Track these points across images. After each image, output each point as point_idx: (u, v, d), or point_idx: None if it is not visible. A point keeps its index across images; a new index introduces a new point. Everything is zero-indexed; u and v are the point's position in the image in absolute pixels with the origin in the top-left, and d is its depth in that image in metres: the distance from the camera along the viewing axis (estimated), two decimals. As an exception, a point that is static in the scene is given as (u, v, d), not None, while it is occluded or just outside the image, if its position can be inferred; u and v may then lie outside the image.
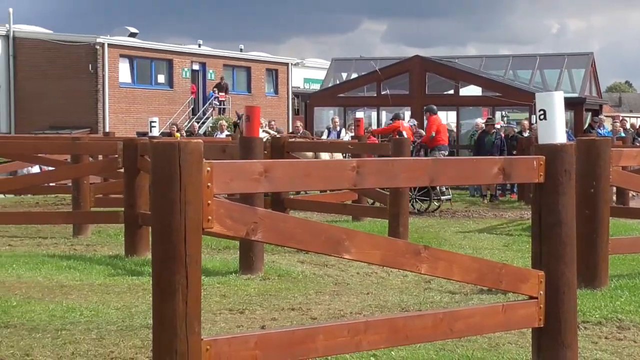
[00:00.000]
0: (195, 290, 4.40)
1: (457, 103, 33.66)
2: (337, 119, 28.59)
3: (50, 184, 17.52)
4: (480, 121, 25.64)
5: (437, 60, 36.18)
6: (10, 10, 43.12)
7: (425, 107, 23.78)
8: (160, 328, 4.39)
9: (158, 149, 4.37)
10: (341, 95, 35.09)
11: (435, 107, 22.87)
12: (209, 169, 4.42)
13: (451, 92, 34.41)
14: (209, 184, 4.41)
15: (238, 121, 25.42)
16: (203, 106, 46.24)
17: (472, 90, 35.13)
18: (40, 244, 13.75)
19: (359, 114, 31.94)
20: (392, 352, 6.65)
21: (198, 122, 43.54)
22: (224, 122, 33.15)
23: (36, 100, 42.84)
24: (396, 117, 23.84)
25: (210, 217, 4.43)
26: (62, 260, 11.64)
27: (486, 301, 8.77)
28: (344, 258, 4.95)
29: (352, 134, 24.75)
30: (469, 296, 9.31)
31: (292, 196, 15.31)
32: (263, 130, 19.43)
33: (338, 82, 37.84)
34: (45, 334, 7.24)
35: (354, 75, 37.50)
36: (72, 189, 15.26)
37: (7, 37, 43.35)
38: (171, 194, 4.32)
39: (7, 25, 43.53)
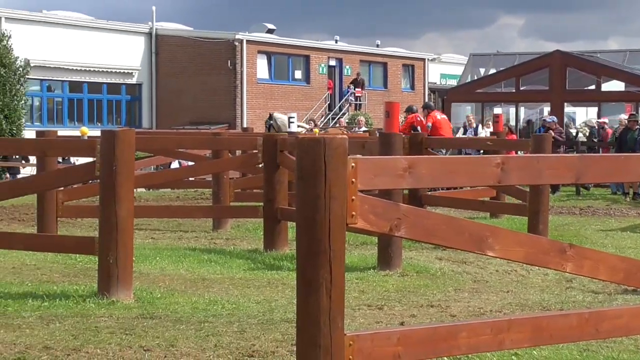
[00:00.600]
0: (339, 285, 4.42)
1: (598, 99, 32.89)
2: (472, 117, 28.31)
3: (191, 179, 17.87)
4: (624, 117, 24.99)
5: (578, 54, 35.46)
6: (154, 8, 44.23)
7: (423, 104, 23.35)
8: (304, 322, 4.42)
9: (303, 144, 4.40)
10: (479, 90, 34.74)
11: (432, 104, 22.84)
12: (353, 164, 4.43)
13: (592, 87, 33.66)
14: (353, 179, 4.42)
15: (271, 122, 25.08)
16: (339, 102, 46.44)
17: (614, 86, 34.25)
18: (182, 237, 14.06)
19: (497, 110, 31.58)
20: (534, 352, 6.56)
21: (334, 118, 43.78)
22: (362, 118, 33.23)
23: (176, 96, 43.79)
24: (409, 111, 23.04)
25: (354, 213, 4.44)
26: (203, 253, 11.87)
27: (631, 302, 8.57)
28: (487, 255, 4.89)
29: (491, 130, 24.48)
30: (612, 296, 9.11)
31: (429, 192, 15.23)
32: (298, 125, 19.57)
33: (476, 78, 37.49)
34: (189, 326, 7.39)
35: (492, 71, 37.11)
36: (212, 184, 15.55)
37: (150, 34, 44.44)
38: (316, 190, 4.35)
39: (150, 23, 44.62)
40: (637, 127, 22.85)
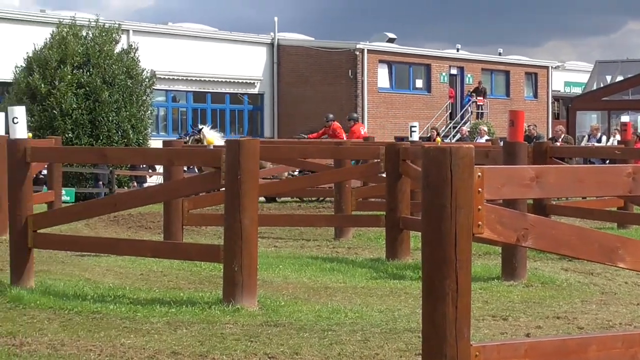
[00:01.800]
0: (465, 296, 4.40)
1: None
2: (597, 126, 27.75)
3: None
4: None
5: None
6: (276, 19, 44.71)
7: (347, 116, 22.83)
8: (430, 332, 4.41)
9: (430, 154, 4.40)
10: (605, 98, 34.02)
11: (355, 115, 22.40)
12: (479, 174, 4.41)
13: None
14: (479, 189, 4.40)
15: (198, 136, 24.13)
16: (460, 111, 46.14)
17: None
18: (304, 245, 14.16)
19: (625, 118, 30.88)
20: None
21: (455, 127, 43.50)
22: (484, 127, 32.94)
23: (297, 105, 44.16)
24: (351, 119, 22.91)
25: (480, 223, 4.41)
26: (325, 262, 11.93)
27: None
28: (618, 267, 4.81)
29: (619, 139, 23.96)
30: None
31: (554, 202, 14.99)
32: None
33: (602, 85, 36.74)
34: (313, 334, 7.43)
35: (619, 78, 36.30)
36: (334, 193, 15.63)
37: (271, 44, 44.94)
38: (442, 199, 4.34)
39: (272, 34, 45.13)
40: None
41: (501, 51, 52.87)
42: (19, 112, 9.90)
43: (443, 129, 43.79)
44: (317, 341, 7.17)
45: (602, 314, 8.68)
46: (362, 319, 8.18)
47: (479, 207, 4.41)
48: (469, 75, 47.75)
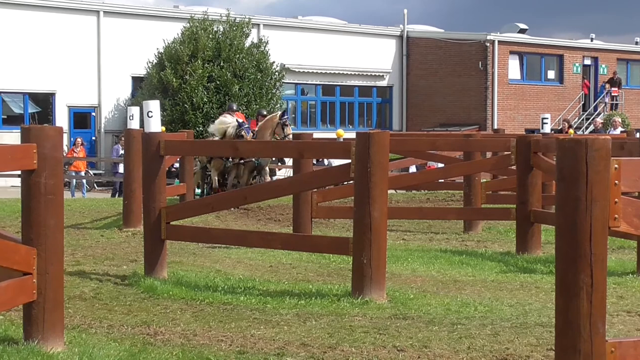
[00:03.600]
0: (601, 290, 4.31)
1: None
2: None
3: (442, 180, 17.86)
4: None
5: None
6: (405, 11, 44.60)
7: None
8: (564, 327, 4.33)
9: (564, 145, 4.31)
10: None
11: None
12: (616, 166, 4.30)
13: None
14: (616, 181, 4.30)
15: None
16: (594, 102, 45.17)
17: None
18: (432, 238, 14.08)
19: None
20: None
21: (589, 119, 42.64)
22: (617, 119, 32.17)
23: (426, 98, 43.98)
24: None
25: (616, 216, 4.31)
26: (454, 255, 11.83)
27: None
28: None
29: None
30: None
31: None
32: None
33: None
34: (442, 327, 7.38)
35: None
36: (463, 186, 15.50)
37: (401, 37, 44.86)
38: (577, 192, 4.26)
39: (401, 26, 45.04)
40: None
41: (638, 40, 51.52)
42: (154, 106, 10.12)
43: (575, 120, 42.97)
44: (447, 334, 7.11)
45: None
46: (491, 312, 8.08)
47: (616, 199, 4.31)
48: (603, 66, 46.71)
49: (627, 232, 4.44)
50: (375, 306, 8.20)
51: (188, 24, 33.49)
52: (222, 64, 31.70)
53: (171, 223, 9.67)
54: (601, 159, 4.28)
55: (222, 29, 32.96)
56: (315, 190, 13.24)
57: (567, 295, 4.32)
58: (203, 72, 31.11)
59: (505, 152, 13.18)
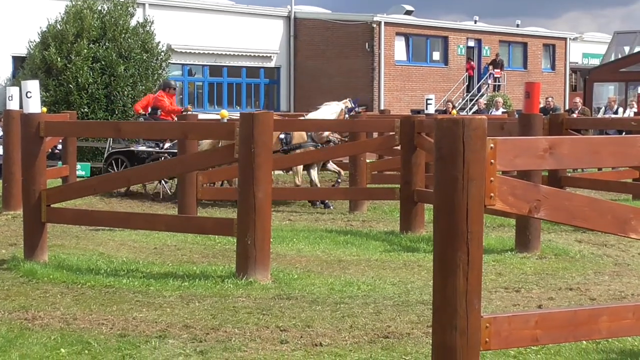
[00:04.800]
0: (477, 268, 4.37)
1: None
2: (614, 98, 27.57)
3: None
4: None
5: None
6: (292, -9, 44.50)
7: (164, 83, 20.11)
8: (441, 304, 4.39)
9: (442, 125, 4.35)
10: (623, 70, 33.81)
11: (172, 82, 20.14)
12: (492, 145, 4.36)
13: None
14: (492, 160, 4.35)
15: None
16: (478, 83, 45.91)
17: None
18: (318, 219, 14.14)
19: (641, 89, 30.72)
20: (679, 337, 6.37)
21: (472, 100, 43.33)
22: (499, 99, 32.78)
23: (314, 79, 44.02)
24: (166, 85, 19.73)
25: (492, 194, 4.37)
26: (339, 235, 11.91)
27: None
28: (630, 237, 4.75)
29: (635, 110, 23.81)
30: None
31: (569, 174, 14.91)
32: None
33: (620, 57, 36.52)
34: (325, 307, 7.42)
35: (638, 49, 36.08)
36: (349, 166, 15.59)
37: (288, 18, 44.79)
38: (454, 171, 4.30)
39: (288, 7, 44.97)
40: None
41: (519, 23, 52.50)
42: (32, 87, 9.89)
43: (460, 101, 43.61)
44: (330, 314, 7.16)
45: (614, 285, 8.65)
46: (374, 291, 8.16)
47: (492, 178, 4.37)
48: (486, 48, 47.44)
49: (502, 210, 4.51)
50: (260, 287, 8.20)
51: (71, 2, 32.83)
52: (107, 44, 31.17)
53: (52, 205, 9.48)
54: (478, 138, 4.32)
55: (106, 8, 32.39)
56: (201, 171, 13.15)
57: (445, 273, 4.37)
58: (88, 52, 30.55)
59: (390, 133, 13.31)
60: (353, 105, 17.61)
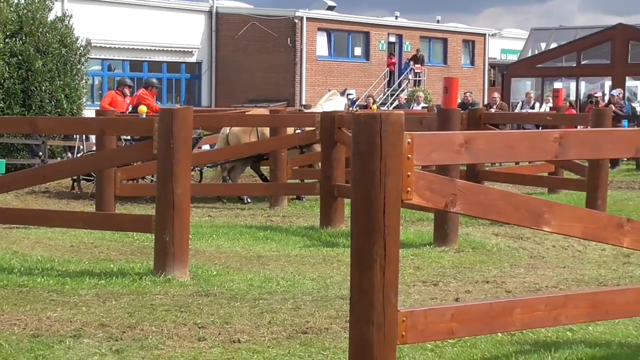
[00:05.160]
0: (394, 262, 4.37)
1: (661, 72, 32.39)
2: (532, 93, 27.99)
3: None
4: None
5: (641, 28, 34.88)
6: (214, -14, 44.28)
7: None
8: (358, 299, 4.39)
9: (360, 120, 4.35)
10: (539, 65, 34.33)
11: (154, 81, 19.64)
12: (409, 140, 4.37)
13: (656, 61, 33.10)
14: (409, 155, 4.36)
15: None
16: (399, 78, 46.21)
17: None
18: (239, 215, 14.08)
19: (558, 85, 31.22)
20: (590, 327, 6.48)
21: (393, 95, 43.59)
22: (420, 94, 33.03)
23: (236, 74, 43.87)
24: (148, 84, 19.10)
25: (409, 189, 4.38)
26: (260, 231, 11.87)
27: (693, 278, 8.41)
28: (544, 230, 4.81)
29: (551, 105, 24.19)
30: (673, 272, 8.95)
31: (487, 168, 15.09)
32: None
33: (537, 52, 37.07)
34: (244, 303, 7.39)
35: (553, 45, 36.65)
36: (270, 161, 15.55)
37: (210, 13, 44.55)
38: (372, 166, 4.30)
39: (210, 2, 44.72)
40: None
41: (439, 19, 52.99)
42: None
43: (381, 96, 43.85)
44: (248, 310, 7.13)
45: (529, 277, 8.78)
46: (294, 287, 8.15)
47: (408, 173, 4.38)
48: (407, 43, 47.78)
49: (419, 204, 4.53)
50: (178, 284, 8.13)
51: (-14, -4, 32.24)
52: (24, 38, 30.66)
53: (-36, 203, 9.28)
54: (395, 133, 4.33)
55: (23, 2, 31.86)
56: (119, 167, 13.00)
57: (362, 267, 4.37)
58: (4, 47, 30.02)
59: (311, 128, 13.32)
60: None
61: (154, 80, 20.17)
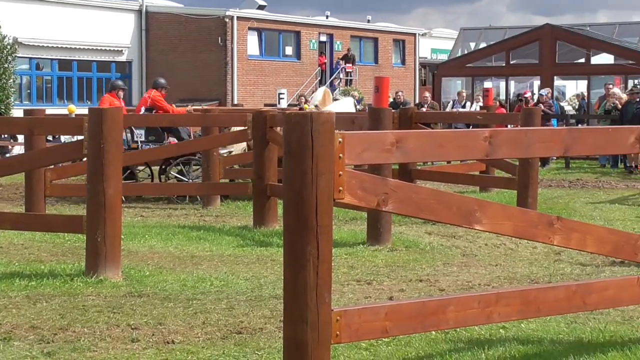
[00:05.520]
0: (327, 261, 4.39)
1: (588, 72, 32.88)
2: (463, 92, 28.28)
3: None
4: (617, 91, 24.90)
5: (567, 28, 35.40)
6: (144, -15, 43.96)
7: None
8: (291, 298, 4.40)
9: (291, 120, 4.36)
10: (469, 65, 34.68)
11: (117, 83, 18.23)
12: (341, 139, 4.39)
13: (582, 60, 33.63)
14: (340, 154, 4.39)
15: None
16: (330, 78, 46.33)
17: (604, 59, 34.22)
18: (171, 215, 14.01)
19: (488, 84, 31.56)
20: (522, 325, 6.56)
21: (325, 94, 43.63)
22: (355, 93, 33.15)
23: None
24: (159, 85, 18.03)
25: (341, 188, 4.41)
26: (193, 231, 11.83)
27: (619, 273, 8.57)
28: (475, 229, 4.87)
29: (481, 104, 24.44)
30: (600, 268, 9.11)
31: (419, 167, 15.21)
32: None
33: (466, 52, 37.44)
34: (177, 303, 7.36)
35: (483, 45, 37.05)
36: (202, 161, 15.49)
37: (139, 11, 44.22)
38: (303, 165, 4.32)
39: (140, 0, 44.39)
40: (638, 99, 22.66)
41: (370, 18, 53.24)
42: None
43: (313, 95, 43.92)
44: (182, 310, 7.10)
45: (462, 275, 8.86)
46: (227, 287, 8.14)
47: (340, 172, 4.40)
48: (338, 43, 47.94)
49: (351, 203, 4.55)
50: (110, 284, 8.07)
51: None
52: (-50, 36, 30.21)
53: None
54: (326, 132, 4.35)
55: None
56: (49, 167, 12.85)
57: (295, 267, 4.38)
58: None
59: (243, 127, 13.29)
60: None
61: (163, 81, 18.90)
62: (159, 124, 16.30)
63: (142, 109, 17.09)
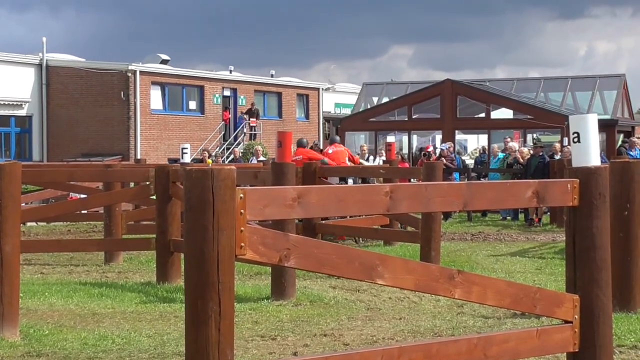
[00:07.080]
0: (229, 318, 4.37)
1: (488, 126, 33.57)
2: (365, 146, 28.58)
3: (83, 212, 17.55)
4: (514, 145, 25.45)
5: (468, 83, 36.15)
6: (44, 39, 43.50)
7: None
8: (193, 355, 4.36)
9: (192, 175, 4.35)
10: (372, 119, 35.12)
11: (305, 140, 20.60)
12: (242, 195, 4.40)
13: (482, 115, 34.35)
14: (242, 210, 4.39)
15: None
16: (234, 132, 46.36)
17: (503, 113, 35.02)
18: (72, 271, 13.78)
19: (390, 138, 31.95)
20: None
21: (229, 148, 43.65)
22: (259, 148, 33.20)
23: (69, 128, 43.12)
24: (300, 144, 19.83)
25: (243, 244, 4.41)
26: (94, 287, 11.65)
27: (520, 325, 8.69)
28: (377, 283, 4.90)
29: (384, 158, 24.70)
30: (502, 320, 9.22)
31: (323, 221, 15.26)
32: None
33: (369, 107, 37.90)
34: (78, 362, 7.23)
35: (385, 100, 37.55)
36: (104, 216, 15.31)
37: (40, 65, 43.73)
38: (204, 221, 4.31)
39: (40, 54, 43.92)
40: (541, 153, 23.19)
41: (273, 73, 53.55)
42: None
43: (217, 150, 43.86)
44: (82, 370, 6.97)
45: (367, 329, 8.88)
46: (130, 344, 8.02)
47: (242, 228, 4.40)
48: (242, 97, 48.06)
49: (253, 259, 4.55)
50: (7, 344, 7.88)
51: None
52: None
53: None
54: (227, 188, 4.36)
55: None
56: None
57: (197, 324, 4.35)
58: None
59: (146, 182, 13.19)
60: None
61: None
62: (56, 179, 16.07)
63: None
